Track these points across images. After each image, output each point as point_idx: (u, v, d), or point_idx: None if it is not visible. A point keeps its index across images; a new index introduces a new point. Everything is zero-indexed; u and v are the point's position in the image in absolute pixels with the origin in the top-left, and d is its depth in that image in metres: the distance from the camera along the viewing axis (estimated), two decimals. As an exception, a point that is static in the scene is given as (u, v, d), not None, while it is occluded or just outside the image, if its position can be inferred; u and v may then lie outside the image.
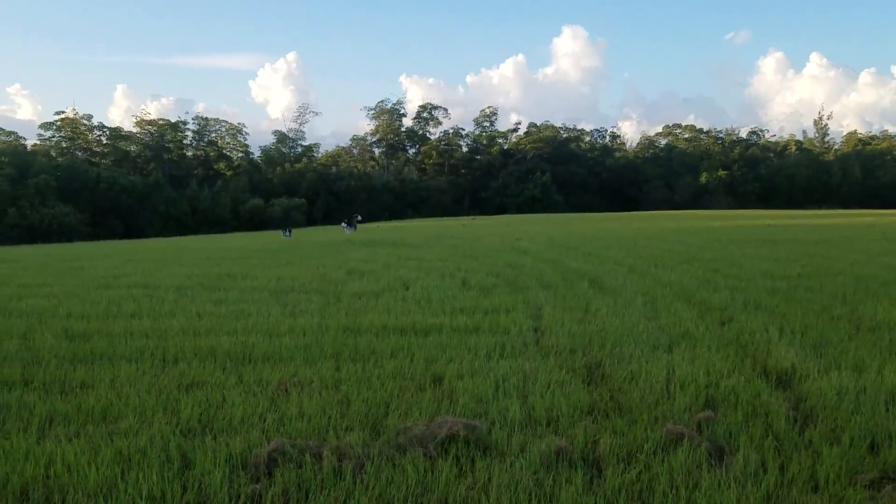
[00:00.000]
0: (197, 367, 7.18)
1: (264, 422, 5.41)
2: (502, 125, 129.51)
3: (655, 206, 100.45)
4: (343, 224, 43.10)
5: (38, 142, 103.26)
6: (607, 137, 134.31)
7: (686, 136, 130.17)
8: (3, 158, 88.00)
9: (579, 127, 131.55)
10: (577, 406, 5.75)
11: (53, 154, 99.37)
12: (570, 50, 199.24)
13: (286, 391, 6.24)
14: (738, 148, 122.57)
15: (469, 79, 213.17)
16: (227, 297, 12.14)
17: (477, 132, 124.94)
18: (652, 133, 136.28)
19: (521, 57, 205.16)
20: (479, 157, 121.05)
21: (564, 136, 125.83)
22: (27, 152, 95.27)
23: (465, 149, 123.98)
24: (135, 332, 9.04)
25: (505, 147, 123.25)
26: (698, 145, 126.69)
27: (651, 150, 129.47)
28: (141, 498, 4.02)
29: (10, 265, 20.56)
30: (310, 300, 11.66)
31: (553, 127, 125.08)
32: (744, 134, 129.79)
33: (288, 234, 38.97)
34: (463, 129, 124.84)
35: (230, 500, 4.07)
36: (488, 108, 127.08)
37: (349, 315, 10.02)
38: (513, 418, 5.45)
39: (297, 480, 4.31)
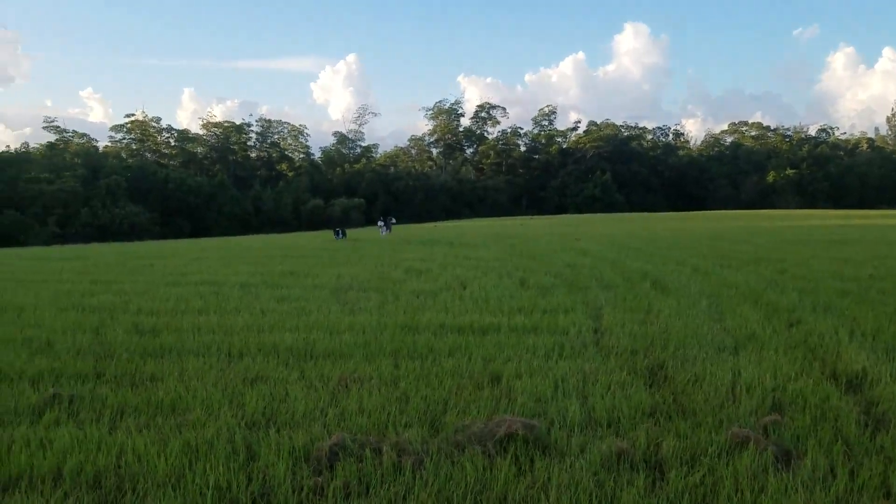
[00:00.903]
0: (261, 362, 7.35)
1: (325, 416, 5.49)
2: (561, 124, 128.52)
3: (720, 205, 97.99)
4: (379, 223, 40.02)
5: (109, 144, 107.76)
6: (670, 135, 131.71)
7: (752, 133, 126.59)
8: (76, 160, 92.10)
9: (641, 125, 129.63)
10: (638, 408, 5.66)
11: (124, 155, 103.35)
12: (631, 47, 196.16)
13: (346, 387, 6.32)
14: (806, 146, 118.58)
15: (528, 77, 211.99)
16: (289, 295, 12.38)
17: (535, 131, 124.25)
18: (717, 131, 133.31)
19: (581, 55, 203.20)
20: (537, 156, 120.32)
21: (625, 134, 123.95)
22: (99, 154, 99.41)
23: (523, 148, 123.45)
24: (202, 328, 9.32)
25: (564, 146, 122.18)
26: (765, 143, 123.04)
27: (716, 148, 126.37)
28: (208, 488, 4.13)
29: (83, 262, 21.46)
30: (368, 298, 11.79)
31: (614, 125, 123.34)
32: (813, 132, 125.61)
33: (341, 235, 33.00)
34: (521, 129, 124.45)
35: (293, 492, 4.15)
36: (547, 106, 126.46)
37: (407, 313, 10.09)
38: (572, 419, 5.40)
39: (357, 474, 4.37)
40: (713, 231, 32.73)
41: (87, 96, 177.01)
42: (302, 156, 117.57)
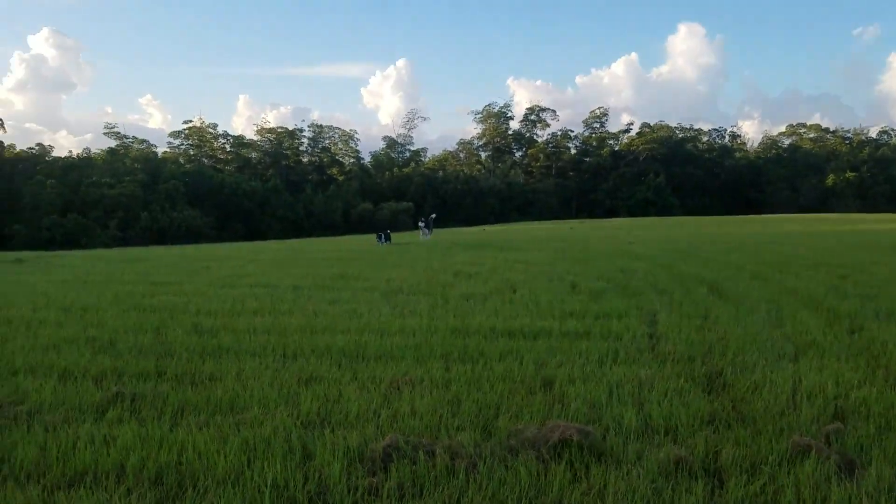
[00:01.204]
0: (314, 363, 7.45)
1: (378, 417, 5.53)
2: (613, 126, 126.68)
3: (778, 208, 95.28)
4: (420, 224, 36.55)
5: (167, 149, 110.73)
6: (726, 137, 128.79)
7: (811, 135, 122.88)
8: (136, 165, 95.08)
9: (696, 126, 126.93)
10: (696, 415, 5.56)
11: (182, 161, 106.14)
12: (686, 48, 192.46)
13: (398, 389, 6.36)
14: (867, 148, 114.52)
15: (579, 79, 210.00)
16: (340, 297, 12.53)
17: (586, 133, 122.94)
18: (774, 133, 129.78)
19: (633, 56, 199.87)
20: (588, 158, 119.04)
21: (680, 136, 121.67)
22: (158, 159, 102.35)
23: (573, 150, 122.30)
24: (257, 329, 9.50)
25: (616, 148, 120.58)
26: (824, 145, 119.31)
27: (773, 151, 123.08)
28: (266, 486, 4.21)
29: (144, 265, 22.12)
30: (418, 301, 11.84)
31: (668, 127, 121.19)
32: (874, 133, 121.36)
33: (384, 240, 30.79)
34: (572, 131, 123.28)
35: (349, 492, 4.19)
36: (598, 108, 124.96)
37: (457, 317, 10.10)
38: (628, 426, 5.32)
39: (411, 476, 4.39)
40: (771, 235, 31.86)
41: (146, 103, 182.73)
42: (352, 160, 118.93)
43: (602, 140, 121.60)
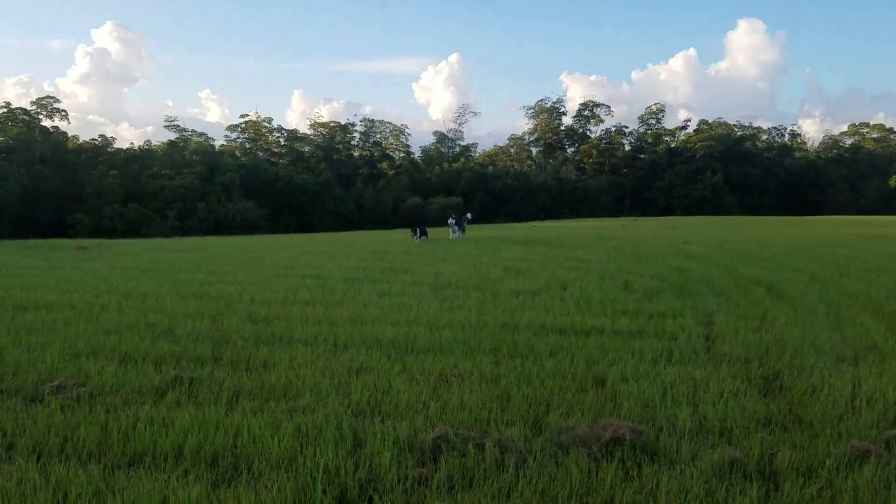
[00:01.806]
0: (364, 354, 7.53)
1: (428, 409, 5.56)
2: (670, 122, 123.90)
3: (839, 210, 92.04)
4: (450, 222, 30.91)
5: (224, 142, 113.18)
6: (786, 136, 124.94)
7: (874, 135, 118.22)
8: (194, 157, 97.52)
9: (755, 125, 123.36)
10: (752, 417, 5.46)
11: (238, 154, 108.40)
12: (745, 44, 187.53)
13: (447, 382, 6.38)
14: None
15: (634, 75, 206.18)
16: (389, 290, 12.62)
17: (641, 130, 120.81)
18: (836, 132, 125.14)
19: (691, 51, 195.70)
20: (642, 155, 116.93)
21: (738, 134, 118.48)
22: (215, 152, 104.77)
23: (627, 147, 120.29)
24: (309, 318, 9.65)
25: (672, 145, 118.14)
26: (888, 146, 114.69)
27: (835, 151, 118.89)
28: (318, 472, 4.27)
29: (201, 254, 22.69)
30: (467, 296, 11.85)
31: (726, 124, 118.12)
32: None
33: (420, 235, 28.47)
34: (626, 127, 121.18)
35: (399, 481, 4.22)
36: (655, 104, 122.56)
37: (506, 312, 10.06)
38: (682, 426, 5.24)
39: (461, 468, 4.39)
40: (831, 237, 30.80)
41: (205, 97, 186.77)
42: (402, 155, 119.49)
43: (658, 137, 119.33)
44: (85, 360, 7.20)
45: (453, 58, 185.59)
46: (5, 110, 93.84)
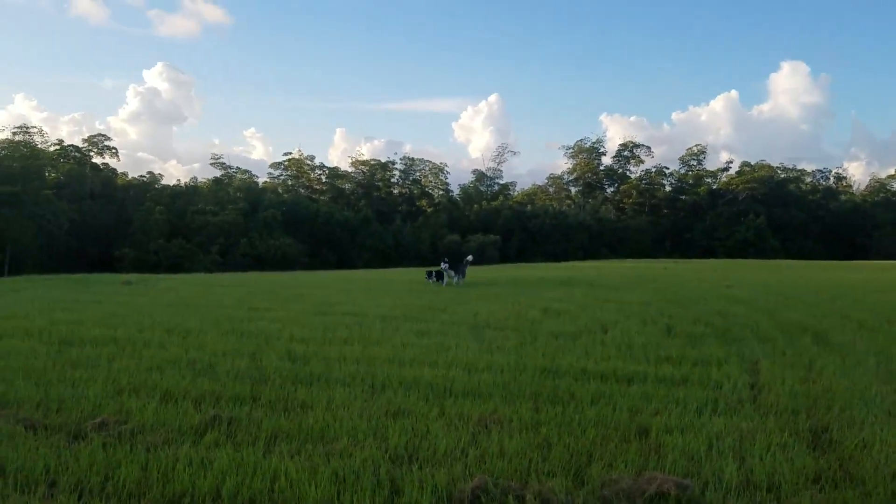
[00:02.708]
0: (402, 396, 7.46)
1: (466, 457, 5.45)
2: (711, 164, 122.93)
3: (886, 254, 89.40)
4: (443, 265, 25.11)
5: (267, 179, 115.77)
6: (831, 179, 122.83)
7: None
8: (238, 194, 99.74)
9: (799, 167, 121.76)
10: (801, 472, 5.26)
11: (280, 191, 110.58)
12: (789, 86, 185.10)
13: (486, 428, 6.27)
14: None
15: (675, 116, 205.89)
16: (428, 330, 12.56)
17: (682, 171, 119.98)
18: (883, 175, 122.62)
19: (733, 93, 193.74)
20: (683, 196, 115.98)
21: (782, 176, 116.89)
22: (259, 189, 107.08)
23: (668, 188, 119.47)
24: (347, 358, 9.63)
25: (714, 187, 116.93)
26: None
27: (882, 194, 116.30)
28: (354, 521, 4.20)
29: (242, 290, 22.97)
30: (506, 337, 11.72)
31: (769, 166, 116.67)
32: None
33: (433, 278, 24.74)
34: (667, 168, 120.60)
35: (437, 534, 4.13)
36: (696, 145, 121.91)
37: (546, 356, 9.91)
38: (729, 480, 5.05)
39: (500, 521, 4.28)
40: (880, 283, 29.87)
41: (249, 135, 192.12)
42: (441, 192, 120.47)
43: (699, 178, 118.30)
44: (127, 396, 7.28)
45: (493, 98, 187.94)
46: (58, 147, 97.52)
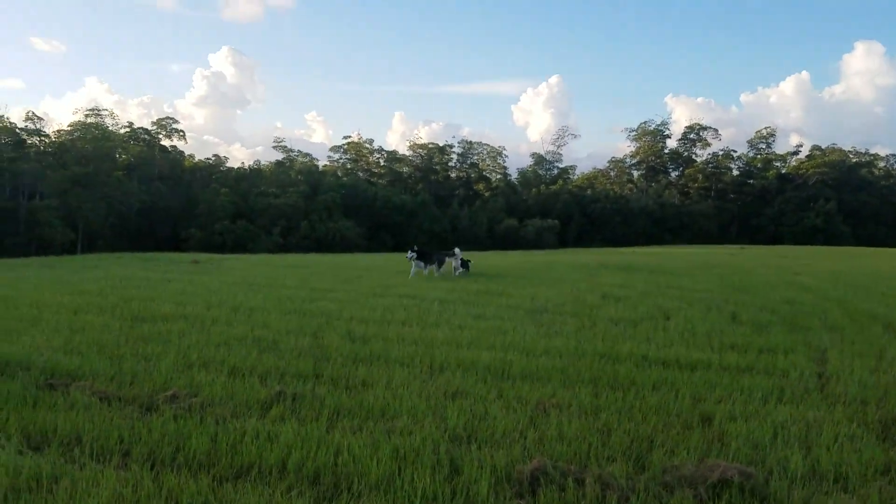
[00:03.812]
0: (460, 378, 7.52)
1: (525, 439, 5.47)
2: (780, 147, 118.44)
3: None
4: (409, 255, 21.77)
5: (327, 163, 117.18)
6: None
7: None
8: (299, 177, 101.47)
9: (872, 151, 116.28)
10: (869, 464, 5.13)
11: (339, 174, 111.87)
12: (863, 67, 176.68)
13: (545, 411, 6.27)
14: None
15: (743, 98, 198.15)
16: (484, 313, 12.59)
17: (750, 154, 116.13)
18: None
19: (804, 74, 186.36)
20: (751, 181, 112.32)
21: (854, 160, 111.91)
22: (319, 172, 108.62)
23: (735, 172, 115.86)
24: (406, 339, 9.76)
25: (783, 171, 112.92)
26: None
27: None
28: (416, 496, 4.28)
29: (303, 271, 23.46)
30: (564, 322, 11.66)
31: (840, 150, 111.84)
32: None
33: (425, 264, 21.44)
34: (734, 151, 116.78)
35: (496, 513, 4.17)
36: (765, 128, 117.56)
37: (605, 341, 9.83)
38: (794, 470, 4.95)
39: (560, 503, 4.29)
40: (962, 271, 28.42)
41: (311, 119, 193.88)
42: (499, 176, 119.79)
43: (767, 162, 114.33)
44: (196, 371, 7.55)
45: (554, 79, 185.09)
46: (128, 130, 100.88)
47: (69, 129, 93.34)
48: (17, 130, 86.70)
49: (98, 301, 13.54)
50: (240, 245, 77.38)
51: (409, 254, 21.38)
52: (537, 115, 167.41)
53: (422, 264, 21.31)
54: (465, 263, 22.25)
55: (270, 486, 4.48)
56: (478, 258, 37.27)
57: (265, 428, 5.52)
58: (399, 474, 4.63)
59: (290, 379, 7.31)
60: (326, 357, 8.41)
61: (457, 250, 22.59)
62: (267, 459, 4.87)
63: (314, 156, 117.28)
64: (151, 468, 4.76)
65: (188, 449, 5.08)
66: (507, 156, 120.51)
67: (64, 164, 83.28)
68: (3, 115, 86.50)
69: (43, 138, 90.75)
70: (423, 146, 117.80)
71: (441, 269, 21.57)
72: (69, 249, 68.00)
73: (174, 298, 14.12)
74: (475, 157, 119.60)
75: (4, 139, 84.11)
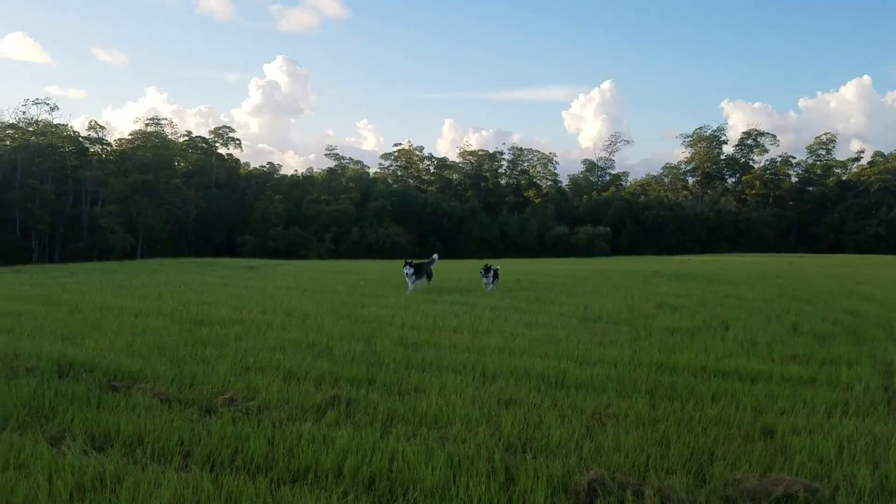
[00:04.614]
0: (513, 386, 7.47)
1: (581, 449, 5.39)
2: (841, 154, 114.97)
3: None
4: (407, 271, 18.45)
5: (378, 170, 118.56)
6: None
7: None
8: (350, 184, 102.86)
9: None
10: (943, 482, 4.84)
11: (390, 181, 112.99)
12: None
13: (601, 421, 6.17)
14: None
15: (802, 103, 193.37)
16: (537, 321, 12.49)
17: (810, 161, 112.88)
18: None
19: (866, 78, 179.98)
20: (811, 188, 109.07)
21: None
22: (370, 179, 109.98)
23: (794, 179, 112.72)
24: (457, 346, 9.74)
25: (843, 178, 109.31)
26: None
27: None
28: (471, 504, 4.25)
29: (354, 276, 23.71)
30: (619, 331, 11.47)
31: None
32: None
33: (411, 272, 18.35)
34: (793, 158, 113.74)
35: (553, 524, 4.11)
36: (825, 134, 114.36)
37: (662, 351, 9.63)
38: (861, 486, 4.76)
39: (618, 516, 4.21)
40: None
41: (362, 127, 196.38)
42: (549, 183, 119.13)
43: (828, 168, 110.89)
44: (253, 374, 7.68)
45: (606, 85, 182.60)
46: (186, 139, 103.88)
47: (130, 137, 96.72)
48: (80, 139, 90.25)
49: (158, 305, 13.93)
50: (292, 251, 78.72)
51: (407, 269, 18.38)
52: (589, 121, 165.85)
53: (414, 278, 18.28)
54: (494, 273, 18.82)
55: (327, 490, 4.51)
56: (526, 266, 37.05)
57: (321, 432, 5.57)
58: (454, 481, 4.60)
59: (343, 384, 7.37)
60: (379, 362, 8.46)
61: (434, 256, 21.13)
62: (323, 463, 4.91)
63: (365, 163, 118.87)
64: (211, 470, 4.84)
65: (246, 451, 5.16)
66: (557, 162, 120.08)
67: (125, 172, 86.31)
68: (67, 125, 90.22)
69: (105, 147, 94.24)
70: (472, 153, 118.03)
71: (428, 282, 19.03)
72: (129, 254, 70.32)
73: (230, 303, 14.42)
74: (525, 164, 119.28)
75: (68, 147, 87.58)
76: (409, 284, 18.05)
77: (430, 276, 19.01)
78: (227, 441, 5.37)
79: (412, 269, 18.25)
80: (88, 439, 5.44)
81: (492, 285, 18.38)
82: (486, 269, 18.62)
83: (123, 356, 8.53)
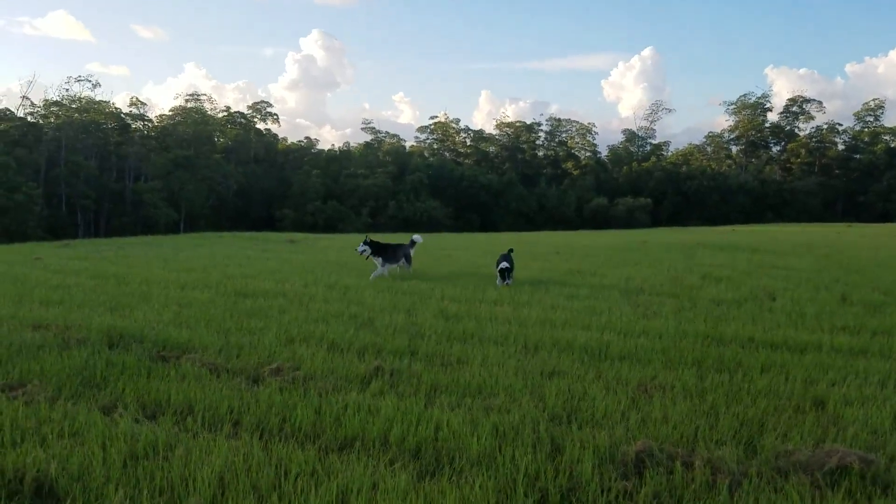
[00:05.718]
0: (556, 357, 7.43)
1: (627, 420, 5.34)
2: (890, 120, 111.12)
3: None
4: (360, 249, 15.31)
5: (414, 143, 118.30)
6: None
7: None
8: (387, 158, 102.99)
9: None
10: None
11: (426, 154, 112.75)
12: None
13: (647, 392, 6.10)
14: None
15: (849, 68, 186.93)
16: (577, 293, 12.39)
17: (857, 128, 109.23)
18: None
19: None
20: (858, 156, 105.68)
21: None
22: (406, 153, 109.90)
23: (841, 147, 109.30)
24: (498, 318, 9.73)
25: (892, 145, 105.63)
26: None
27: None
28: (518, 473, 4.25)
29: (393, 249, 23.81)
30: (662, 303, 11.33)
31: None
32: None
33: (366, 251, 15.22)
34: (840, 125, 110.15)
35: (602, 493, 4.08)
36: (873, 100, 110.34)
37: (708, 322, 9.48)
38: (919, 458, 4.62)
39: (667, 486, 4.16)
40: None
41: (398, 100, 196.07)
42: (588, 154, 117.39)
43: (876, 136, 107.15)
44: (298, 345, 7.79)
45: (647, 52, 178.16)
46: (225, 114, 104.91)
47: (170, 113, 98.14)
48: (122, 115, 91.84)
49: (203, 277, 14.19)
50: (330, 225, 79.43)
51: (361, 247, 15.26)
52: (629, 90, 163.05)
53: (379, 260, 15.20)
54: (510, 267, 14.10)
55: (374, 457, 4.55)
56: (565, 238, 36.77)
57: (366, 402, 5.62)
58: (499, 451, 4.60)
59: (386, 355, 7.42)
60: (421, 334, 8.49)
61: (416, 237, 16.90)
62: (369, 432, 4.96)
63: (401, 137, 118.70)
64: (260, 438, 4.92)
65: (294, 420, 5.23)
66: (596, 133, 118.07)
67: (166, 148, 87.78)
68: (109, 101, 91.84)
69: (146, 123, 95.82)
70: (509, 125, 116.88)
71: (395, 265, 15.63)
72: (172, 229, 71.73)
73: (273, 276, 14.62)
74: (563, 135, 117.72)
75: (111, 124, 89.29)
76: (379, 268, 15.02)
77: (408, 260, 15.86)
78: (275, 410, 5.45)
79: (368, 249, 15.04)
80: (140, 408, 5.58)
81: (509, 280, 13.80)
82: (503, 271, 13.76)
83: (171, 327, 8.71)
